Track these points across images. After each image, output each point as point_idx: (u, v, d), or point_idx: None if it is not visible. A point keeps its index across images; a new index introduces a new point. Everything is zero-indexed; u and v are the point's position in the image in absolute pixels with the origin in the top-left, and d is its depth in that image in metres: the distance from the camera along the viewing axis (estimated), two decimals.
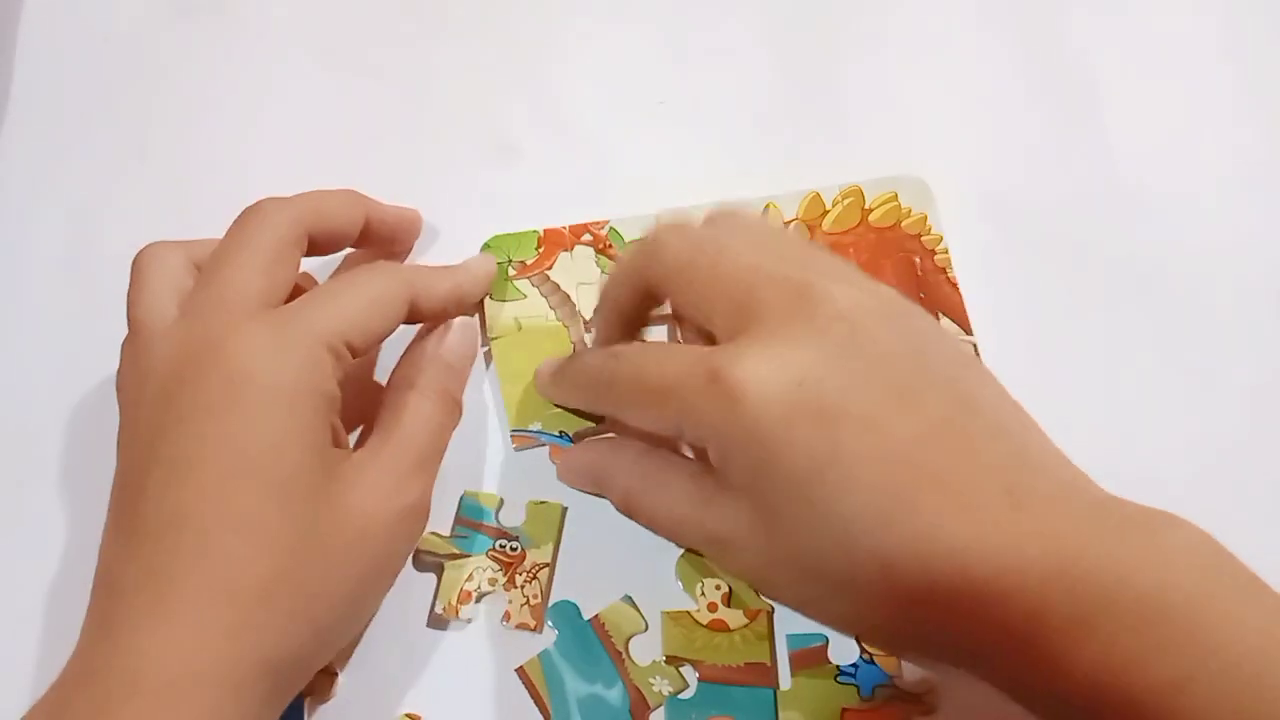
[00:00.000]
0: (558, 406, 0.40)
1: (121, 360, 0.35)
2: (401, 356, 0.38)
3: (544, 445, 0.40)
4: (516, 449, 0.40)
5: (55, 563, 0.39)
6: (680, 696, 0.36)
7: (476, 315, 0.41)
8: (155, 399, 0.32)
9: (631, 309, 0.36)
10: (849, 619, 0.31)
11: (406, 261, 0.43)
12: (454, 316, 0.39)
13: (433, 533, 0.38)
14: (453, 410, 0.37)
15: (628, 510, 0.36)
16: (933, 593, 0.27)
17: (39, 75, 0.47)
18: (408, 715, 0.36)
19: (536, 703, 0.36)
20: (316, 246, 0.37)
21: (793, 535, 0.30)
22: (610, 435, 0.39)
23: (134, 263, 0.35)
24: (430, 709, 0.37)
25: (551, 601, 0.38)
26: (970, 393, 0.30)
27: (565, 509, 0.39)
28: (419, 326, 0.39)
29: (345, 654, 0.37)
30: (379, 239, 0.40)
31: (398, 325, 0.36)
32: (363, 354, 0.34)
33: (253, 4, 0.48)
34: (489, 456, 0.40)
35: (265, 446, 0.31)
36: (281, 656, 0.30)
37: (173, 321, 0.33)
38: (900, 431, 0.28)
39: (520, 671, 0.37)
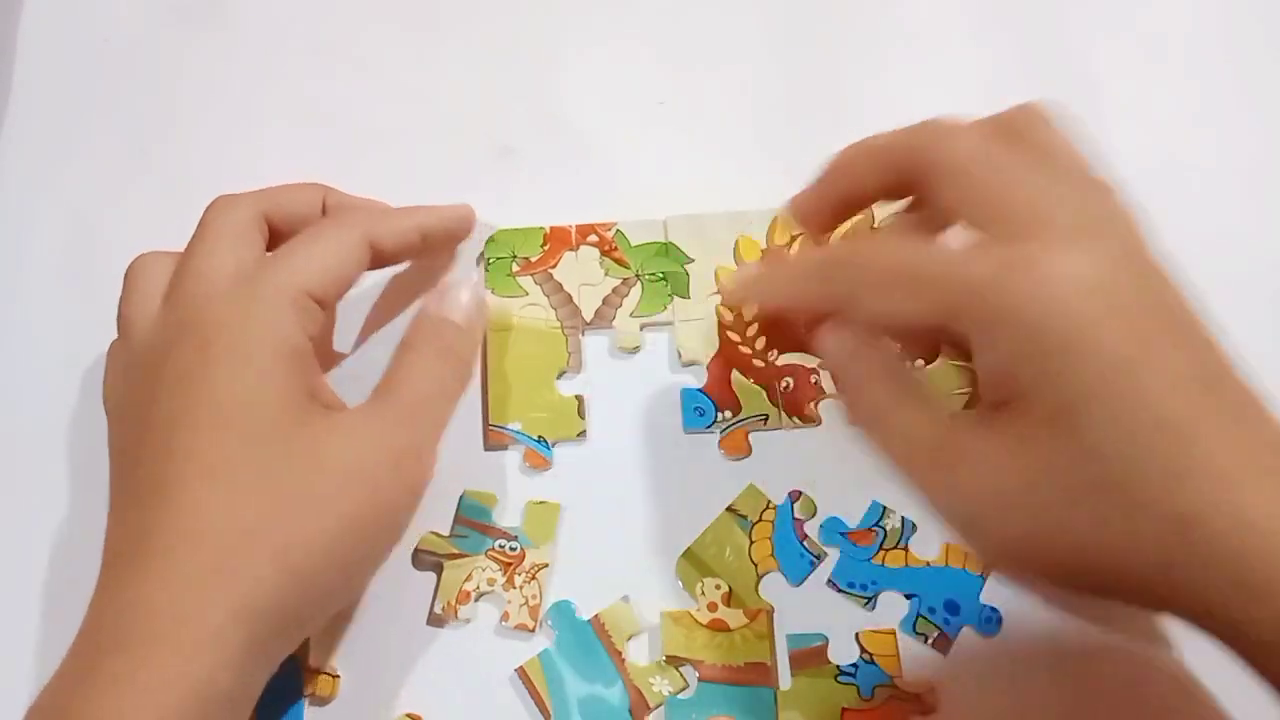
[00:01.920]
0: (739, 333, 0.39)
1: (108, 360, 0.37)
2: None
3: (519, 447, 0.40)
4: (487, 448, 0.40)
5: (54, 560, 0.39)
6: (680, 696, 0.36)
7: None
8: (140, 381, 0.34)
9: (866, 186, 0.35)
10: (1118, 544, 0.28)
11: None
12: (421, 254, 0.40)
13: (432, 532, 0.38)
14: (452, 362, 0.36)
15: (866, 418, 0.34)
16: (1213, 547, 0.26)
17: (39, 75, 0.47)
18: (408, 715, 0.36)
19: (537, 703, 0.36)
20: (278, 229, 0.37)
21: (1090, 435, 0.28)
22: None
23: (125, 274, 0.37)
24: (429, 709, 0.37)
25: (550, 601, 0.38)
26: (1225, 358, 0.30)
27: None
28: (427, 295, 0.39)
29: (325, 644, 0.37)
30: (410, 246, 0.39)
31: (361, 269, 0.36)
32: (331, 303, 0.36)
33: (252, 5, 0.48)
34: (488, 456, 0.40)
35: (236, 401, 0.32)
36: (258, 605, 0.30)
37: (154, 313, 0.35)
38: (1185, 369, 0.28)
39: (520, 671, 0.37)
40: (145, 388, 0.34)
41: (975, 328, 0.29)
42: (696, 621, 0.37)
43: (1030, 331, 0.28)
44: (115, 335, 0.41)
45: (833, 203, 0.36)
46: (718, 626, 0.37)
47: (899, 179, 0.33)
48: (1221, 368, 0.29)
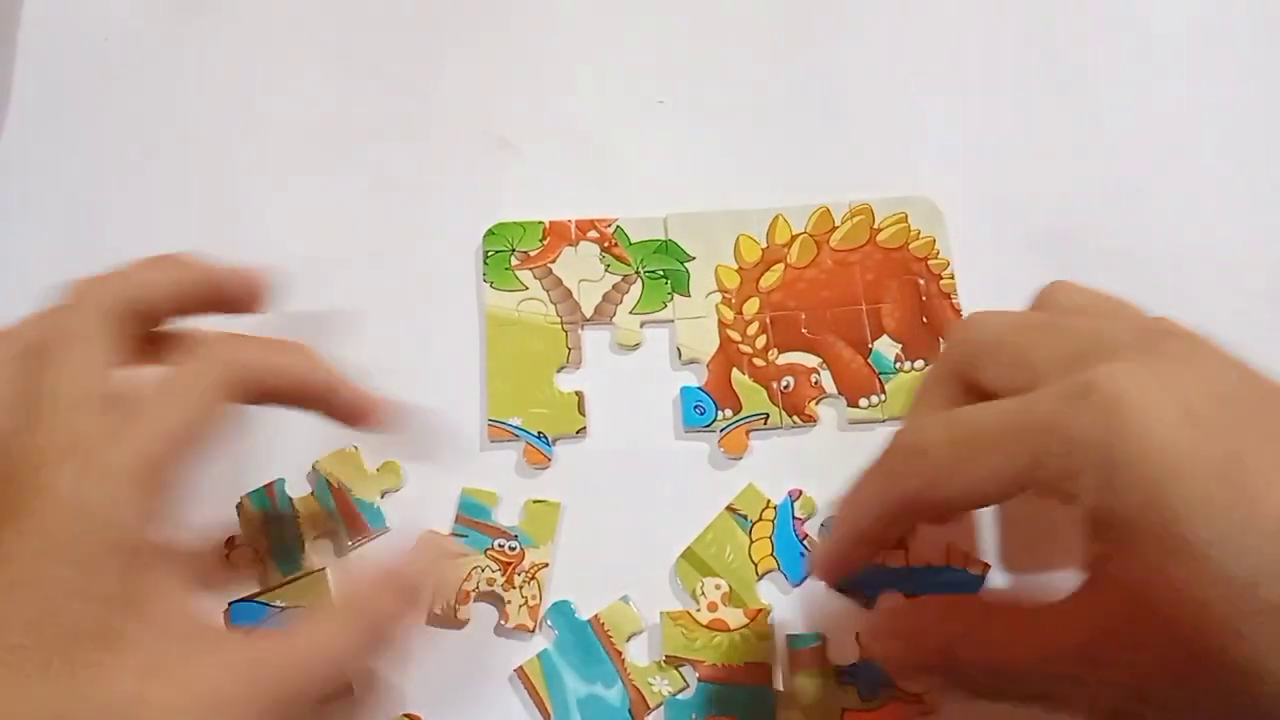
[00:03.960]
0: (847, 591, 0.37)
1: None
2: None
3: (519, 442, 0.40)
4: (491, 440, 0.40)
5: None
6: (679, 696, 0.36)
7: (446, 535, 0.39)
8: None
9: (946, 397, 0.31)
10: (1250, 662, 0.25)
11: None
12: (296, 386, 0.33)
13: (431, 531, 0.38)
14: (369, 635, 0.30)
15: (959, 661, 0.30)
16: None
17: (39, 75, 0.47)
18: (407, 715, 0.36)
19: (536, 703, 0.36)
20: (147, 323, 0.32)
21: (1208, 547, 0.24)
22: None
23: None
24: (429, 709, 0.36)
25: (550, 601, 0.38)
26: None
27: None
28: None
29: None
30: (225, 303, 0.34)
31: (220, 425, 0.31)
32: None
33: (252, 3, 0.48)
34: (487, 453, 0.40)
35: (47, 606, 0.27)
36: None
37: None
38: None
39: (519, 671, 0.37)
40: None
41: (1066, 475, 0.26)
42: (696, 621, 0.37)
43: (1118, 460, 0.25)
44: None
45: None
46: (718, 627, 0.37)
47: (966, 378, 0.31)
48: None
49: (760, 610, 0.37)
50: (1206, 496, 0.24)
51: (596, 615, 0.37)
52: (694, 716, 0.36)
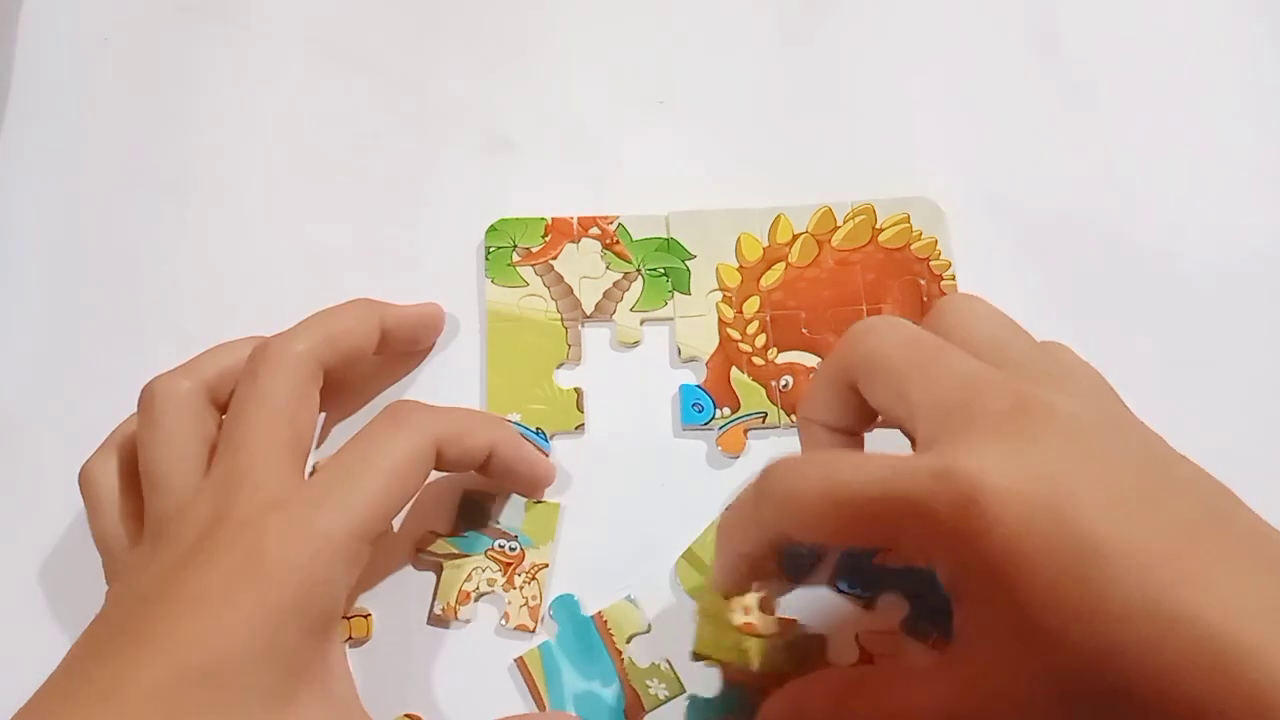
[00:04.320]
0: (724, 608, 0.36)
1: (107, 503, 0.33)
2: None
3: None
4: None
5: (53, 558, 0.39)
6: (703, 695, 0.36)
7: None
8: (167, 569, 0.30)
9: (837, 407, 0.32)
10: None
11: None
12: (484, 460, 0.36)
13: (431, 532, 0.38)
14: None
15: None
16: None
17: (39, 75, 0.47)
18: (407, 715, 0.36)
19: (533, 694, 0.36)
20: (334, 374, 0.34)
21: (1059, 635, 0.25)
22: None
23: (144, 399, 0.33)
24: (430, 709, 0.36)
25: (554, 596, 0.38)
26: (1212, 501, 0.27)
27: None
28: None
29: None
30: (399, 345, 0.39)
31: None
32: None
33: (253, 2, 0.48)
34: None
35: (229, 658, 0.28)
36: None
37: (196, 489, 0.31)
38: (1152, 541, 0.25)
39: (519, 662, 0.37)
40: (167, 577, 0.29)
41: (919, 550, 0.28)
42: (730, 621, 0.36)
43: (967, 559, 0.26)
44: (114, 334, 0.42)
45: (823, 434, 0.33)
46: (748, 630, 0.36)
47: (855, 389, 0.31)
48: (1206, 514, 0.26)
49: (793, 619, 0.36)
50: (1054, 588, 0.25)
51: (600, 613, 0.37)
52: (710, 717, 0.36)
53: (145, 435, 0.32)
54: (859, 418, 0.32)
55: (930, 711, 0.28)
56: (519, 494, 0.38)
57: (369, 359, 0.37)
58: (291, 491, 0.30)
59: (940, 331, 0.31)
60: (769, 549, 0.32)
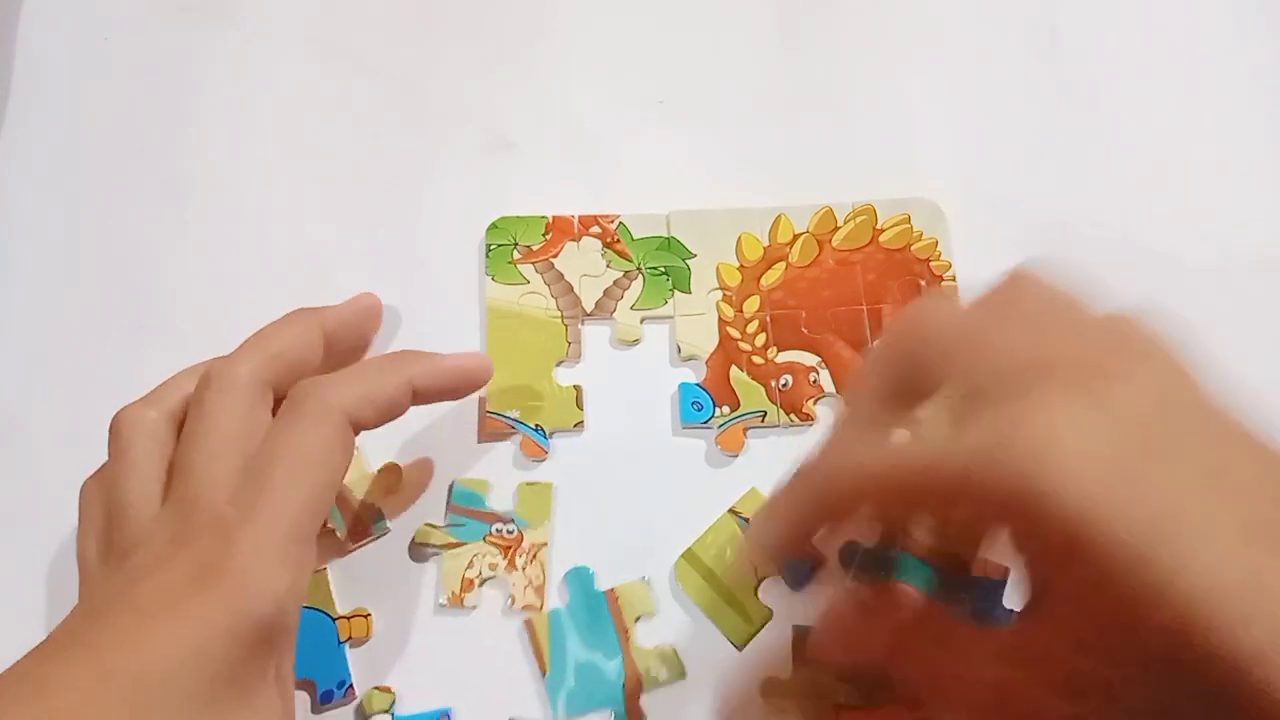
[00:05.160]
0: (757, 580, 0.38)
1: (90, 523, 0.33)
2: None
3: (516, 435, 0.40)
4: (485, 437, 0.40)
5: (55, 560, 0.39)
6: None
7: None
8: (117, 587, 0.30)
9: (892, 382, 0.31)
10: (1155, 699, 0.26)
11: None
12: (405, 400, 0.34)
13: (427, 524, 0.38)
14: None
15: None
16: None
17: (39, 75, 0.47)
18: (377, 688, 0.37)
19: (536, 655, 0.37)
20: (282, 388, 0.34)
21: (1133, 605, 0.24)
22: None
23: (113, 429, 0.34)
24: (440, 697, 0.37)
25: (554, 578, 0.38)
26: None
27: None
28: None
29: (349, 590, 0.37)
30: (344, 348, 0.38)
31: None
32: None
33: (253, 2, 0.48)
34: (482, 447, 0.40)
35: (157, 663, 0.28)
36: None
37: (156, 513, 0.32)
38: (1223, 515, 0.24)
39: (527, 624, 0.37)
40: (118, 599, 0.30)
41: (977, 515, 0.28)
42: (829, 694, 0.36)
43: (1042, 503, 0.25)
44: (114, 334, 0.42)
45: (877, 412, 0.32)
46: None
47: (915, 369, 0.30)
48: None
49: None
50: (1129, 559, 0.24)
51: (613, 589, 0.38)
52: None
53: (112, 466, 0.33)
54: (910, 394, 0.31)
55: (1000, 656, 0.29)
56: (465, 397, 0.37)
57: (318, 367, 0.36)
58: (231, 513, 0.31)
59: (1005, 303, 0.30)
60: (818, 524, 0.33)
